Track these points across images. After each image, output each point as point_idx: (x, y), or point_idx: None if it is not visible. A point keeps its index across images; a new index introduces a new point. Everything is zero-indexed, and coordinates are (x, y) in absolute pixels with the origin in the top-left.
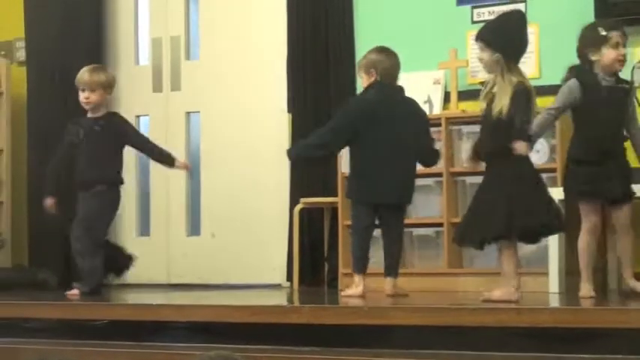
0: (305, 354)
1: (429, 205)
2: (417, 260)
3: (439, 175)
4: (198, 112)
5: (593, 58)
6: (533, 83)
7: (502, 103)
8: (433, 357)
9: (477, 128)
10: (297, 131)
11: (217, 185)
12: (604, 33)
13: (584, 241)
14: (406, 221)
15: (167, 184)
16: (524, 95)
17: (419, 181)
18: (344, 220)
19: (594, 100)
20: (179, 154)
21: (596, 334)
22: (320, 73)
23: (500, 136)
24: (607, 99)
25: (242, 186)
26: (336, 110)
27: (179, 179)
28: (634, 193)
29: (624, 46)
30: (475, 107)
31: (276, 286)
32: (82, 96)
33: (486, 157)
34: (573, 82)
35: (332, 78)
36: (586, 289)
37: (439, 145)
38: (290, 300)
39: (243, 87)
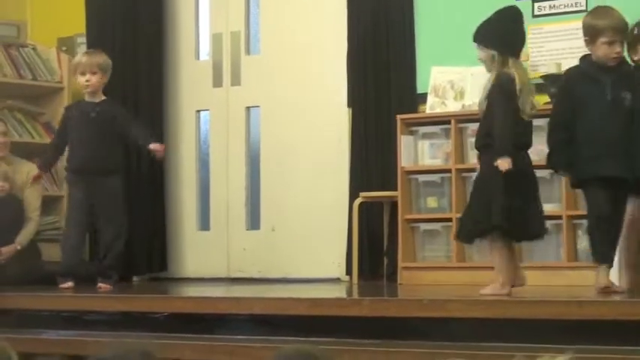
0: (365, 346)
1: None
2: (476, 253)
3: None
4: (259, 106)
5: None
6: None
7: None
8: (492, 349)
9: (540, 122)
10: (357, 126)
11: (277, 179)
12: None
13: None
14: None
15: (227, 178)
16: (501, 85)
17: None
18: (403, 214)
19: None
20: (239, 148)
21: None
22: (380, 68)
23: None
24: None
25: (301, 180)
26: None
27: (239, 173)
28: None
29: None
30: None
31: (336, 280)
32: (83, 79)
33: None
34: None
35: (392, 72)
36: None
37: None
38: (349, 293)
39: (303, 81)
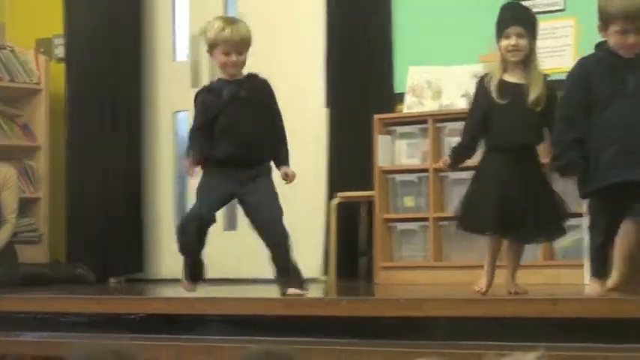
0: (342, 346)
1: None
2: (453, 253)
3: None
4: None
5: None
6: None
7: (538, 92)
8: (470, 348)
9: None
10: (335, 126)
11: None
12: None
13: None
14: (443, 214)
15: None
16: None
17: (456, 175)
18: (381, 214)
19: None
20: None
21: (630, 324)
22: (358, 68)
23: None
24: None
25: (279, 180)
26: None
27: None
28: None
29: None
30: None
31: (313, 280)
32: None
33: (507, 152)
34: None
35: (370, 72)
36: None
37: None
38: (327, 293)
39: (281, 82)
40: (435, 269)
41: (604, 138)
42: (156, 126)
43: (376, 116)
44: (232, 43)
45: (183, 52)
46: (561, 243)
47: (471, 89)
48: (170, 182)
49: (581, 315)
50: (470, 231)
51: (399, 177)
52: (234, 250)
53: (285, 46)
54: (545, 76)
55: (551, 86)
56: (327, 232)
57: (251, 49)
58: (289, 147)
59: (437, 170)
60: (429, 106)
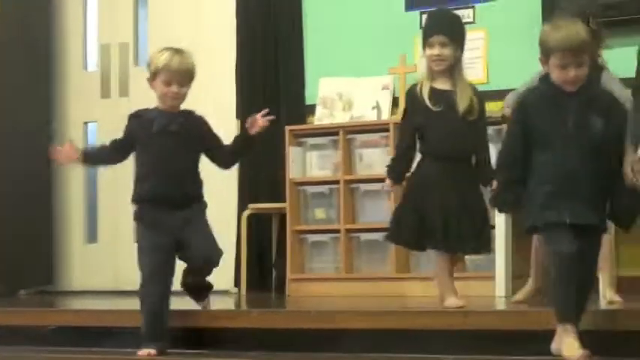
0: (253, 358)
1: (377, 210)
2: (364, 265)
3: None
4: None
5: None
6: (481, 88)
7: (467, 102)
8: None
9: None
10: None
11: None
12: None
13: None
14: (354, 226)
15: (115, 190)
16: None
17: (367, 186)
18: (292, 226)
19: None
20: (127, 160)
21: (539, 335)
22: (269, 79)
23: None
24: None
25: None
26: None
27: (127, 185)
28: None
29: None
30: None
31: (224, 292)
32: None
33: (444, 160)
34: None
35: (281, 84)
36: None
37: (388, 151)
38: (238, 305)
39: (192, 93)
40: (346, 281)
41: (540, 176)
42: (66, 136)
43: (287, 127)
44: (175, 72)
45: (93, 63)
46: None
47: (382, 101)
48: (81, 194)
49: (492, 327)
50: (397, 244)
51: (310, 188)
52: None
53: (196, 57)
54: (473, 86)
55: (480, 96)
56: (239, 243)
57: None
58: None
59: (348, 182)
60: (340, 117)
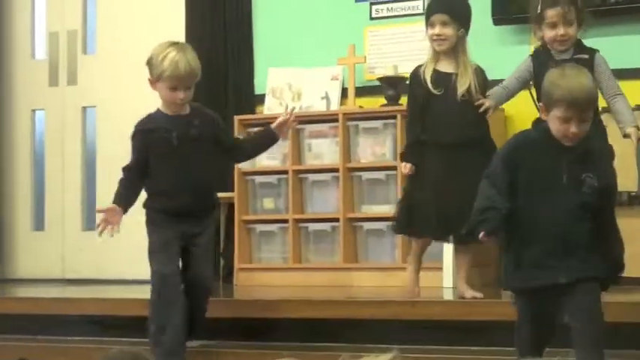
0: (199, 347)
1: (326, 201)
2: (312, 255)
3: (336, 170)
4: (95, 106)
5: (538, 35)
6: None
7: (466, 84)
8: (327, 350)
9: (374, 124)
10: None
11: (113, 180)
12: (539, 11)
13: None
14: (303, 216)
15: (62, 178)
16: (485, 79)
17: (316, 177)
18: (240, 215)
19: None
20: (75, 148)
21: (486, 326)
22: (218, 69)
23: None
24: None
25: None
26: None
27: (74, 173)
28: None
29: (568, 24)
30: (372, 103)
31: None
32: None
33: (443, 147)
34: (526, 58)
35: (230, 77)
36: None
37: (336, 142)
38: None
39: (141, 81)
40: (294, 271)
41: (528, 232)
42: (13, 124)
43: (236, 117)
44: (183, 78)
45: (41, 50)
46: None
47: (331, 91)
48: (28, 181)
49: (440, 317)
50: (410, 235)
51: (258, 178)
52: (94, 250)
53: (145, 46)
54: (477, 68)
55: (484, 78)
56: None
57: (110, 50)
58: None
59: (296, 172)
60: (289, 107)
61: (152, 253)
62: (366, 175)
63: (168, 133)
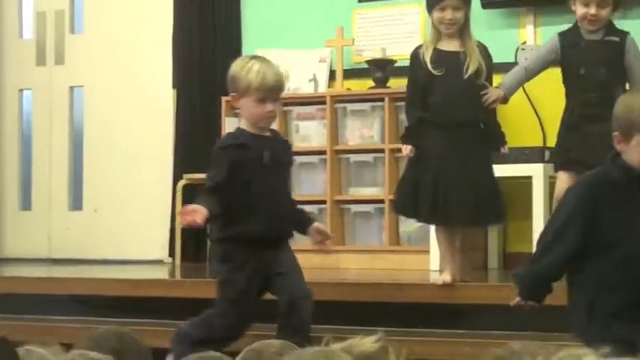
0: None
1: (313, 183)
2: (300, 237)
3: (323, 152)
4: (82, 86)
5: (572, 8)
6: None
7: (477, 63)
8: (312, 332)
9: (362, 106)
10: (182, 107)
11: (100, 160)
12: None
13: None
14: None
15: (49, 158)
16: (490, 56)
17: (303, 159)
18: None
19: (574, 57)
20: (62, 128)
21: (473, 310)
22: (206, 49)
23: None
24: (589, 55)
25: (125, 161)
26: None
27: (62, 153)
28: None
29: (601, 5)
30: (360, 86)
31: (159, 262)
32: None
33: (445, 128)
34: (553, 37)
35: (218, 54)
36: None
37: (324, 124)
38: (172, 274)
39: (128, 61)
40: None
41: (604, 285)
42: (0, 104)
43: (224, 98)
44: (272, 89)
45: (29, 30)
46: (406, 228)
47: (319, 73)
48: (15, 161)
49: (426, 300)
50: (405, 216)
51: None
52: (81, 230)
53: (132, 26)
54: (482, 46)
55: (489, 57)
56: (173, 213)
57: (97, 30)
58: (139, 127)
59: None
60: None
61: (228, 300)
62: (353, 157)
63: (259, 151)
